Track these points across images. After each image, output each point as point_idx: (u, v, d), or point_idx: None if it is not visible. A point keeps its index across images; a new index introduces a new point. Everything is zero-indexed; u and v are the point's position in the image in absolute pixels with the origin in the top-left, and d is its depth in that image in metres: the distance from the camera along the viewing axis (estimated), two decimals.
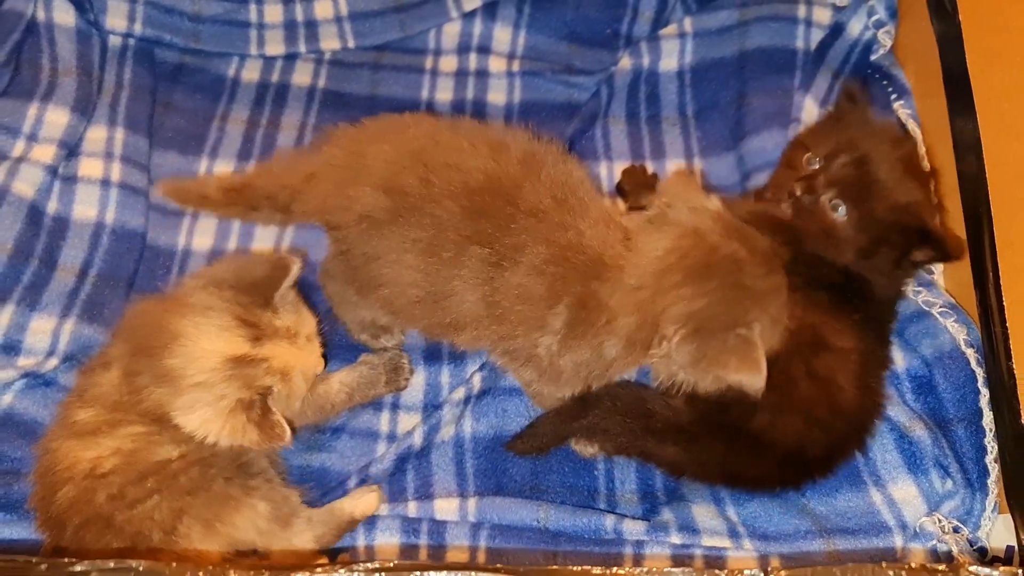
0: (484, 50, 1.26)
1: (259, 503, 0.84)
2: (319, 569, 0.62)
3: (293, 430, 0.84)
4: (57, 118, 1.12)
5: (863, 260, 0.91)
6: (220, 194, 0.96)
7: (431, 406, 1.01)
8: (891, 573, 0.60)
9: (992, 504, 0.87)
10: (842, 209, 0.90)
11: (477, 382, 0.99)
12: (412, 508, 0.94)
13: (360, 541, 0.90)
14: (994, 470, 0.87)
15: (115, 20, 1.20)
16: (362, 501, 0.92)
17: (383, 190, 0.85)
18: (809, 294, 0.89)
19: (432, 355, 1.05)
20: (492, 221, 0.82)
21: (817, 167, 0.92)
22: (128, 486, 0.80)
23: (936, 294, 0.95)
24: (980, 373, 0.89)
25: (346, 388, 0.98)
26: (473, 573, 0.61)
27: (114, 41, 1.22)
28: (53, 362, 0.99)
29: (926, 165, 1.03)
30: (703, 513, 0.91)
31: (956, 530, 0.86)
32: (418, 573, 0.61)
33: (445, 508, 0.94)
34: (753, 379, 0.78)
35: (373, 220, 0.86)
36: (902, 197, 0.90)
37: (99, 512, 0.79)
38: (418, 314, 0.90)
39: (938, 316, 0.92)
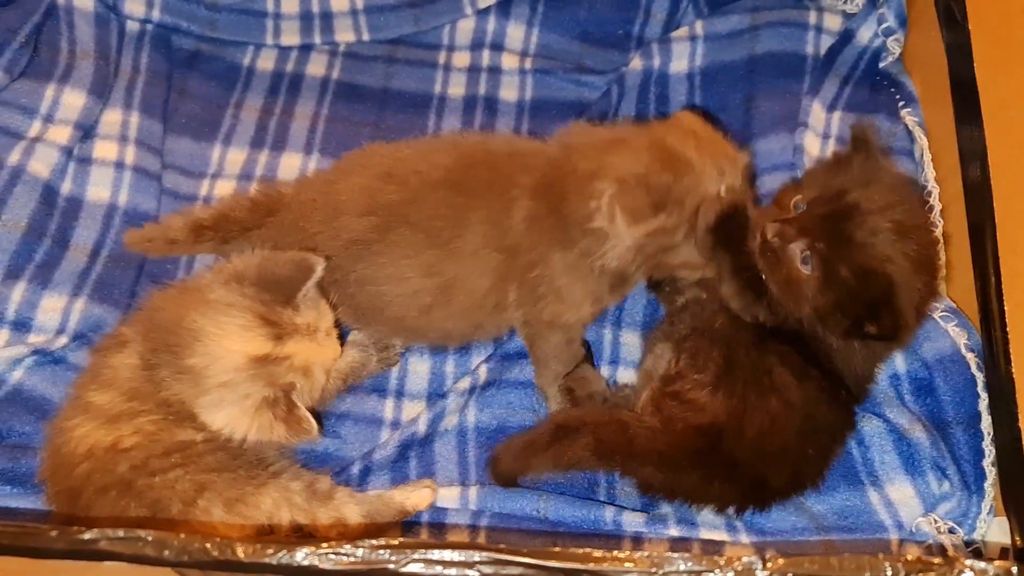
0: (497, 47, 1.27)
1: (290, 483, 0.85)
2: (324, 545, 0.63)
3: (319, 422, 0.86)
4: (74, 100, 1.13)
5: (818, 322, 0.86)
6: (187, 234, 1.00)
7: (435, 395, 1.02)
8: (887, 565, 0.61)
9: (988, 507, 0.88)
10: (809, 263, 0.84)
11: (483, 373, 1.00)
12: None
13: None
14: (991, 473, 0.88)
15: (133, 6, 1.21)
16: (416, 494, 0.92)
17: (365, 214, 0.90)
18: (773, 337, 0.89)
19: (438, 345, 1.05)
20: (476, 190, 0.90)
21: (800, 212, 0.86)
22: (152, 459, 0.81)
23: (936, 297, 0.95)
24: (980, 377, 0.90)
25: (340, 375, 0.98)
26: (476, 553, 0.62)
27: (132, 26, 1.23)
28: (63, 340, 1.00)
29: (935, 226, 0.97)
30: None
31: (952, 531, 0.87)
32: (422, 551, 0.62)
33: (446, 496, 0.95)
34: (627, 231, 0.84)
35: (363, 242, 0.90)
36: (874, 262, 0.82)
37: (119, 479, 0.80)
38: (434, 319, 0.93)
39: (939, 320, 0.93)
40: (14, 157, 1.07)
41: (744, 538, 0.90)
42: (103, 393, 0.84)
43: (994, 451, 0.88)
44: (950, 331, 0.92)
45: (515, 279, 0.92)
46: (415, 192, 0.90)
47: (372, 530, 0.88)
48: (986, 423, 0.89)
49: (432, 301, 0.92)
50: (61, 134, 1.10)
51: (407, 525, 0.92)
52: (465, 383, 0.99)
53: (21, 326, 1.01)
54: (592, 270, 0.90)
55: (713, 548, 0.88)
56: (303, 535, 0.85)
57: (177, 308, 0.84)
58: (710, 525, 0.91)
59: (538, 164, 0.91)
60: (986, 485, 0.88)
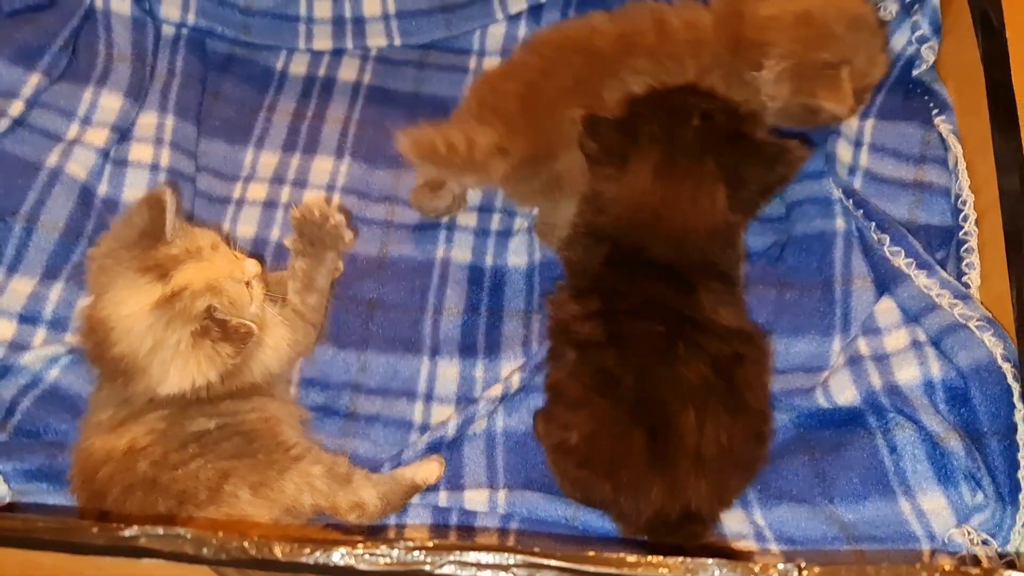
0: None
1: (311, 466, 0.86)
2: (360, 545, 0.63)
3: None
4: (111, 103, 1.14)
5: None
6: (462, 143, 1.02)
7: (464, 399, 1.03)
8: (925, 575, 0.60)
9: (1023, 519, 0.87)
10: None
11: (516, 381, 1.00)
12: (443, 498, 0.95)
13: (391, 525, 0.92)
14: None
15: (170, 10, 1.23)
16: (423, 468, 0.94)
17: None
18: None
19: (467, 349, 1.06)
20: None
21: None
22: (170, 452, 0.82)
23: (972, 307, 0.94)
24: (1016, 388, 0.89)
25: (301, 290, 0.96)
26: (511, 555, 0.62)
27: (167, 30, 1.24)
28: None
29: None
30: (730, 517, 0.92)
31: (985, 543, 0.86)
32: (458, 553, 0.62)
33: (475, 499, 0.95)
34: (838, 106, 0.99)
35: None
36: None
37: (143, 477, 0.81)
38: None
39: (975, 329, 0.92)
40: (52, 159, 1.09)
41: (773, 547, 0.89)
42: (104, 411, 0.86)
43: None
44: (985, 340, 0.91)
45: None
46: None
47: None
48: (1022, 434, 0.88)
49: None
50: (98, 136, 1.12)
51: (436, 528, 0.93)
52: (497, 390, 1.00)
53: (58, 325, 1.03)
54: None
55: (743, 557, 0.88)
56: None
57: (87, 317, 0.86)
58: (739, 535, 0.91)
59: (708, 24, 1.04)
60: (1021, 497, 0.87)
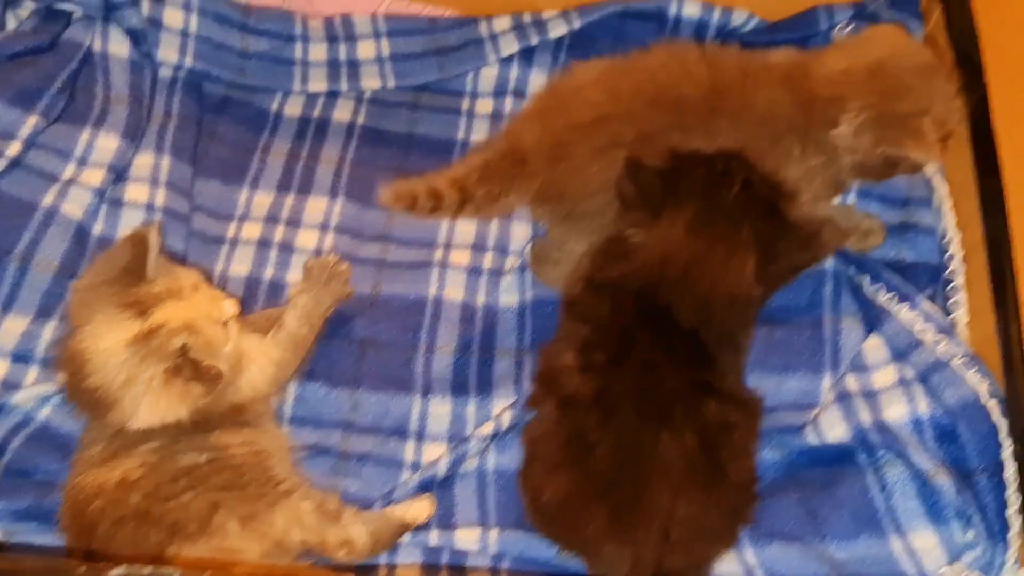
0: (519, 94, 1.29)
1: (300, 501, 0.86)
2: None
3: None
4: (107, 143, 1.16)
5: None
6: (451, 191, 1.03)
7: (456, 437, 1.03)
8: None
9: (1013, 557, 0.87)
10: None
11: (507, 419, 1.00)
12: (434, 536, 0.95)
13: (381, 564, 0.91)
14: (1016, 523, 0.87)
15: (167, 53, 1.25)
16: (414, 506, 0.94)
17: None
18: None
19: (459, 388, 1.06)
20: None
21: None
22: (162, 485, 0.82)
23: (956, 343, 0.96)
24: (1003, 425, 0.90)
25: (300, 318, 0.99)
26: None
27: (165, 73, 1.26)
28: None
29: None
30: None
31: None
32: None
33: (466, 538, 0.95)
34: (926, 156, 0.97)
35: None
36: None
37: (135, 509, 0.81)
38: None
39: (958, 366, 0.93)
40: (48, 199, 1.10)
41: None
42: (93, 448, 0.87)
43: (1020, 500, 0.87)
44: (969, 378, 0.92)
45: None
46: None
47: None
48: (1010, 472, 0.88)
49: None
50: (94, 177, 1.13)
51: (427, 567, 0.92)
52: (488, 428, 1.00)
53: (50, 364, 1.03)
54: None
55: None
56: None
57: (64, 350, 0.87)
58: (728, 574, 0.91)
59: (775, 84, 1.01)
60: (1010, 535, 0.87)
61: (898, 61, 0.99)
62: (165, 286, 0.86)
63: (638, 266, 0.90)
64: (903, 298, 1.00)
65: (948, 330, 0.97)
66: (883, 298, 1.01)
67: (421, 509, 0.94)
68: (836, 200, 1.11)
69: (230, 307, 0.90)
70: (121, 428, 0.85)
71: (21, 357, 1.03)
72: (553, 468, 0.87)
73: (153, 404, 0.83)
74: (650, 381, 0.86)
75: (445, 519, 0.97)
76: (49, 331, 1.04)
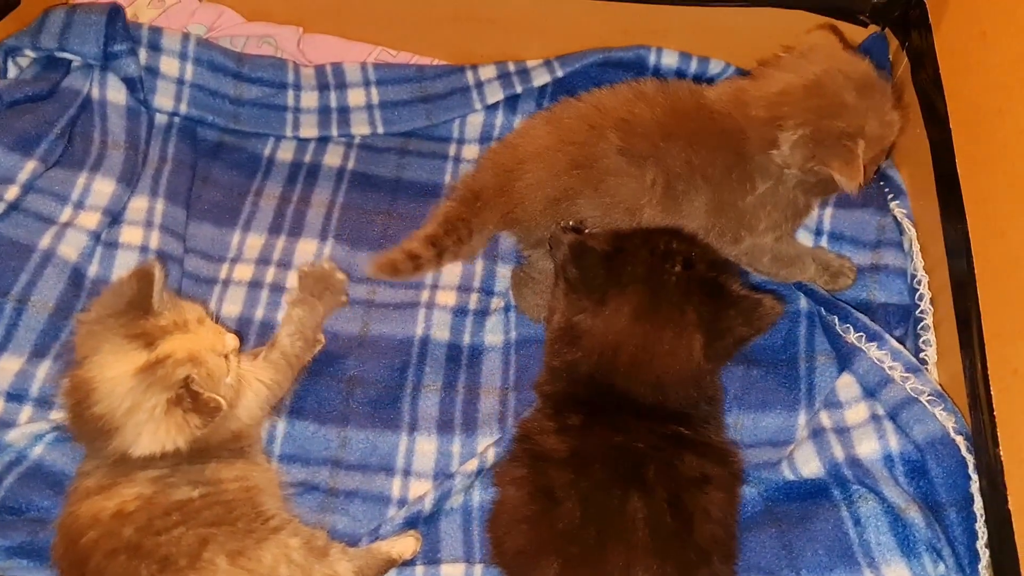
0: None
1: (289, 538, 0.88)
2: None
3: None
4: (104, 187, 1.19)
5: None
6: (427, 248, 1.07)
7: (442, 474, 1.05)
8: None
9: None
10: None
11: (491, 456, 1.02)
12: (419, 572, 0.97)
13: None
14: (984, 555, 0.89)
15: (163, 100, 1.29)
16: (400, 542, 0.96)
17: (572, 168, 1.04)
18: None
19: (445, 425, 1.09)
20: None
21: None
22: (155, 519, 0.85)
23: (924, 380, 0.99)
24: (971, 460, 0.93)
25: (294, 334, 1.03)
26: None
27: (160, 119, 1.30)
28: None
29: None
30: None
31: None
32: None
33: (451, 574, 0.97)
34: (851, 182, 0.96)
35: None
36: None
37: (127, 542, 0.83)
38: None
39: (926, 403, 0.96)
40: (45, 241, 1.13)
41: None
42: (89, 479, 0.89)
43: (987, 533, 0.89)
44: (937, 415, 0.95)
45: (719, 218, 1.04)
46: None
47: None
48: (979, 505, 0.91)
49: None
50: (90, 220, 1.16)
51: None
52: (473, 464, 1.02)
53: (44, 403, 1.05)
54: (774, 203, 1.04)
55: None
56: None
57: (68, 381, 0.90)
58: None
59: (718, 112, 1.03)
60: (980, 567, 0.89)
61: (834, 77, 0.99)
62: (171, 319, 0.89)
63: (588, 352, 0.93)
64: (871, 337, 1.03)
65: (915, 368, 1.00)
66: (852, 337, 1.04)
67: (407, 546, 0.96)
68: (810, 239, 1.15)
69: (232, 340, 0.93)
70: (120, 457, 0.87)
71: (15, 396, 1.05)
72: (516, 521, 0.88)
73: (153, 432, 0.86)
74: (623, 441, 0.88)
75: (431, 555, 0.99)
76: (43, 371, 1.06)
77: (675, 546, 0.84)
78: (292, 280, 1.06)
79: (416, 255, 1.08)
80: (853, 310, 1.06)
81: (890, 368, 1.00)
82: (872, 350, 1.02)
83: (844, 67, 1.00)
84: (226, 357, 0.92)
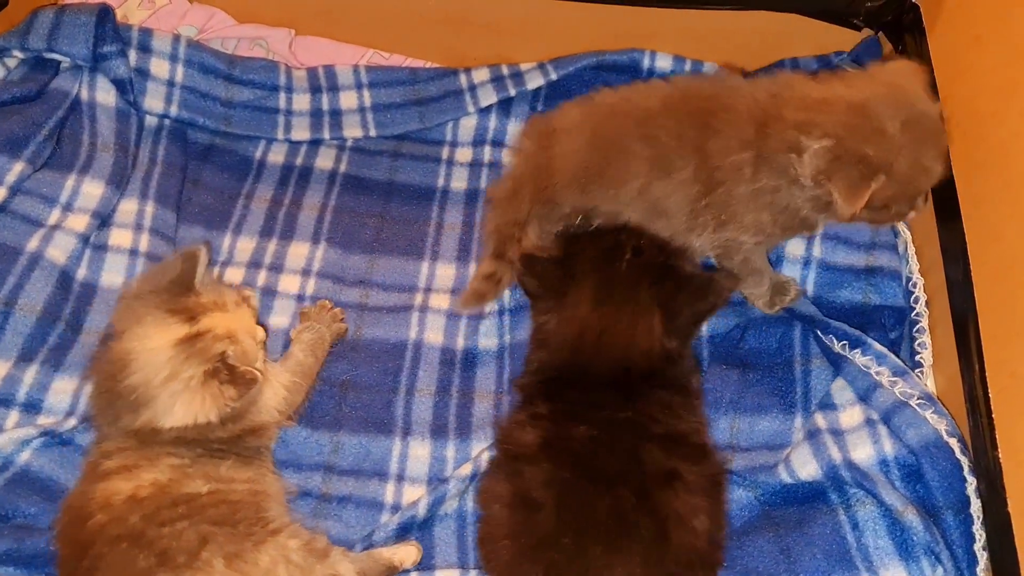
0: (498, 143, 1.33)
1: (288, 540, 0.87)
2: None
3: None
4: (93, 190, 1.18)
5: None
6: (498, 264, 1.10)
7: (436, 479, 1.04)
8: None
9: None
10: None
11: (485, 460, 1.01)
12: None
13: None
14: (983, 557, 0.89)
15: (153, 102, 1.28)
16: (402, 550, 0.96)
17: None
18: None
19: (439, 430, 1.08)
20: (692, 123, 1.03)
21: None
22: (162, 509, 0.84)
23: (912, 384, 0.98)
24: (965, 462, 0.92)
25: (306, 350, 1.06)
26: None
27: (150, 121, 1.29)
28: (72, 422, 1.02)
29: None
30: None
31: None
32: None
33: None
34: (846, 206, 0.92)
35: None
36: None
37: (131, 529, 0.83)
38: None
39: (916, 407, 0.96)
40: (33, 244, 1.11)
41: None
42: (113, 460, 0.89)
43: (984, 535, 0.89)
44: (928, 418, 0.95)
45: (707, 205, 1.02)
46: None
47: None
48: (975, 507, 0.91)
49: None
50: (79, 222, 1.15)
51: None
52: (467, 469, 1.01)
53: (31, 407, 1.04)
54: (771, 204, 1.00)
55: None
56: None
57: (105, 354, 0.92)
58: None
59: (744, 104, 1.00)
60: (978, 570, 0.89)
61: (883, 104, 0.94)
62: (212, 298, 0.92)
63: (556, 347, 0.96)
64: (854, 344, 1.03)
65: (903, 371, 1.00)
66: (837, 346, 1.04)
67: (408, 554, 0.96)
68: (802, 241, 1.15)
69: (261, 332, 0.97)
70: (149, 433, 0.88)
71: (2, 401, 1.03)
72: (499, 527, 0.89)
73: (188, 403, 0.87)
74: (586, 428, 0.89)
75: (425, 560, 0.98)
76: (31, 375, 1.05)
77: (650, 548, 0.84)
78: (279, 318, 1.14)
79: (491, 273, 1.11)
80: (832, 321, 1.06)
81: (877, 373, 1.00)
82: (857, 356, 1.02)
83: (902, 99, 0.95)
84: (258, 344, 0.95)
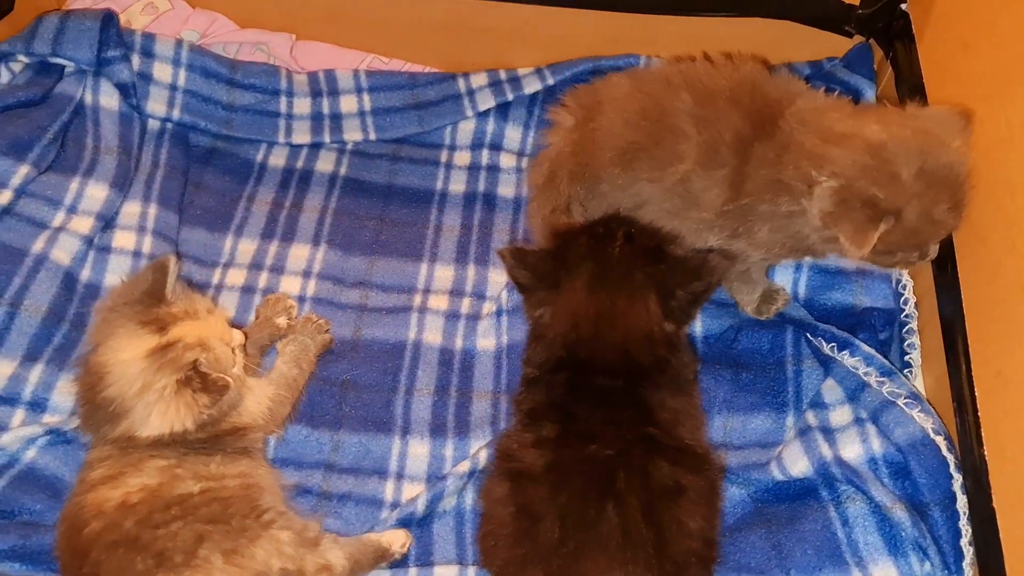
0: (496, 147, 1.35)
1: (280, 532, 0.89)
2: None
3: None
4: (96, 192, 1.19)
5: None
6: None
7: (435, 477, 1.06)
8: None
9: None
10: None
11: (483, 458, 1.03)
12: (412, 574, 0.97)
13: None
14: (969, 552, 0.91)
15: (156, 106, 1.30)
16: (389, 532, 0.98)
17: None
18: None
19: (437, 429, 1.10)
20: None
21: None
22: (154, 513, 0.86)
23: (899, 383, 1.00)
24: (952, 459, 0.94)
25: (289, 362, 1.07)
26: None
27: (153, 125, 1.31)
28: (76, 420, 1.03)
29: None
30: None
31: None
32: None
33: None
34: (854, 249, 0.90)
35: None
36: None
37: (126, 534, 0.84)
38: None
39: (903, 406, 0.98)
40: (38, 245, 1.13)
41: None
42: (97, 468, 0.90)
43: (970, 530, 0.91)
44: (915, 417, 0.97)
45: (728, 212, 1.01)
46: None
47: None
48: (961, 503, 0.93)
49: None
50: (83, 224, 1.16)
51: None
52: (465, 466, 1.03)
53: (36, 406, 1.06)
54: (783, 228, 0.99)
55: None
56: None
57: (82, 368, 0.94)
58: None
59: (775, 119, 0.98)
60: (965, 564, 0.91)
61: (904, 148, 0.90)
62: (183, 308, 0.93)
63: (553, 339, 0.95)
64: (842, 346, 1.05)
65: (889, 371, 1.02)
66: (826, 348, 1.06)
67: (396, 536, 0.98)
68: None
69: (238, 335, 0.97)
70: (129, 442, 0.89)
71: (8, 400, 1.05)
72: (500, 538, 0.89)
73: (163, 412, 0.89)
74: (596, 447, 0.89)
75: (424, 557, 1.00)
76: (36, 374, 1.07)
77: (649, 557, 0.85)
78: (282, 319, 1.13)
79: (554, 174, 1.11)
80: (821, 324, 1.08)
81: (865, 374, 1.02)
82: (845, 358, 1.04)
83: (925, 146, 0.91)
84: (233, 351, 0.95)
